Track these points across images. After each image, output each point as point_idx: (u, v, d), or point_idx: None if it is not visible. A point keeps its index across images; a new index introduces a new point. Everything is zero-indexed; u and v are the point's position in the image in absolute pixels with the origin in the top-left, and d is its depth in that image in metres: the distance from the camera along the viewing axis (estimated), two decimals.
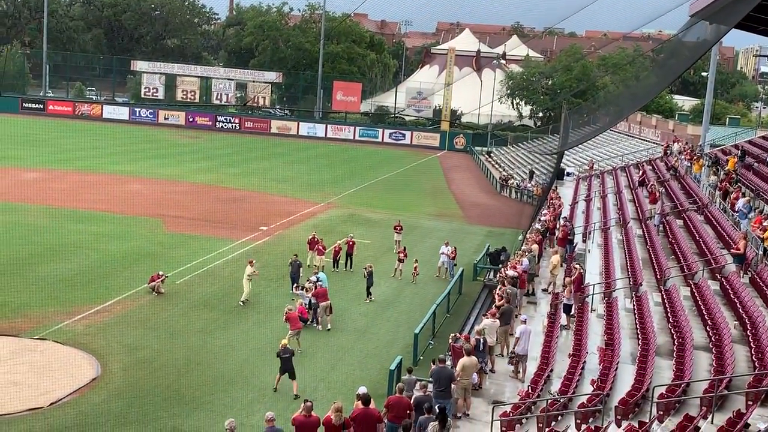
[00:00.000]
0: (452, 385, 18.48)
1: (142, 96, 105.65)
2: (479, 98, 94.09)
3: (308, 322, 27.90)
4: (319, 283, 29.29)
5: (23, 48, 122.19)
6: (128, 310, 28.89)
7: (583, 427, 16.22)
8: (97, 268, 33.90)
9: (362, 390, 17.63)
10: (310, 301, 28.52)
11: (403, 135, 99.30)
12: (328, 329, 28.11)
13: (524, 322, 22.44)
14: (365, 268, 32.94)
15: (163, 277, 31.32)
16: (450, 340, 21.39)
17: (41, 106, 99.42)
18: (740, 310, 21.07)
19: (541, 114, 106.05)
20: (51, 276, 31.99)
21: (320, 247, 35.43)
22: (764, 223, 25.81)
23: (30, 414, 20.34)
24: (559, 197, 49.28)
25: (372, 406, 16.43)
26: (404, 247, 38.10)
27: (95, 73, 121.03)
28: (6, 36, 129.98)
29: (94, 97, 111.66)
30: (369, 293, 32.61)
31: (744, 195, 31.83)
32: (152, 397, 21.81)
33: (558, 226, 38.11)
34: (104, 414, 20.62)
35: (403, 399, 17.17)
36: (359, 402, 17.00)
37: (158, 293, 30.59)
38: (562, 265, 32.98)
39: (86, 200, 46.64)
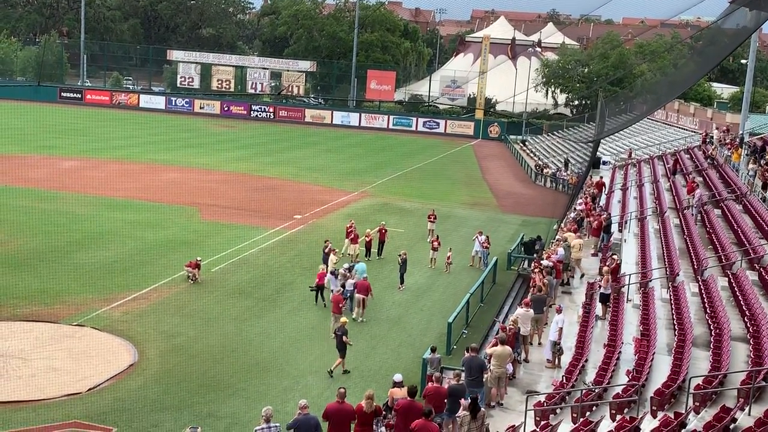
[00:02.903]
0: (484, 374, 18.47)
1: (178, 85, 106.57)
2: (514, 86, 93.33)
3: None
4: (363, 275, 29.32)
5: (61, 38, 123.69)
6: (164, 297, 29.22)
7: (618, 417, 16.11)
8: (134, 255, 34.31)
9: (398, 377, 17.72)
10: (345, 288, 28.66)
11: (437, 124, 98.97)
12: (361, 320, 28.13)
13: (560, 311, 22.40)
14: (400, 255, 32.98)
15: (199, 267, 31.41)
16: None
17: (79, 96, 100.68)
18: None
19: (576, 102, 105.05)
20: (89, 263, 32.45)
21: (354, 235, 35.52)
22: None
23: (68, 399, 20.67)
24: (597, 185, 48.81)
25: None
26: (437, 236, 38.04)
27: (132, 62, 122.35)
28: (44, 26, 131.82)
29: (130, 87, 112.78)
30: (402, 280, 32.67)
31: None
32: (188, 384, 22.06)
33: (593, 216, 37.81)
34: (141, 400, 20.91)
35: (440, 388, 17.15)
36: (396, 389, 17.04)
37: (193, 280, 30.87)
38: (596, 255, 32.81)
39: (123, 189, 47.21)
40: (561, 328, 21.73)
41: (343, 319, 24.21)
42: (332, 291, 28.60)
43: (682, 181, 43.06)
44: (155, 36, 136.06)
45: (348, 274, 29.17)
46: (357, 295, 28.30)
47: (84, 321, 26.11)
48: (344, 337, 23.29)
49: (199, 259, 31.68)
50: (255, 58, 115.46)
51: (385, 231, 37.40)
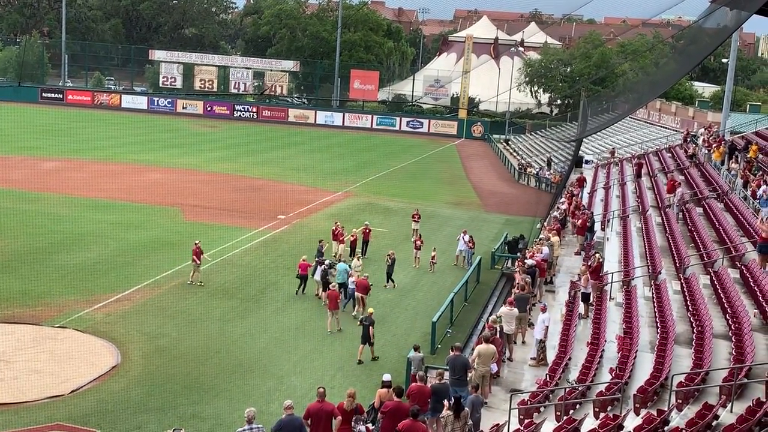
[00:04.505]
0: (469, 373, 18.49)
1: (161, 85, 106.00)
2: (497, 86, 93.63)
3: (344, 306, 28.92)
4: (365, 275, 29.78)
5: (42, 38, 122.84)
6: (147, 298, 29.09)
7: (602, 415, 16.18)
8: (116, 257, 34.12)
9: (387, 377, 17.71)
10: (348, 287, 29.18)
11: (421, 123, 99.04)
12: (354, 316, 28.23)
13: (544, 310, 22.49)
14: (389, 255, 32.99)
15: (201, 253, 31.42)
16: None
17: (60, 96, 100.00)
18: (760, 298, 20.90)
19: (559, 101, 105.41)
20: (71, 265, 32.25)
21: (341, 238, 35.48)
22: None
23: (50, 401, 20.53)
24: (577, 181, 48.96)
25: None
26: (420, 235, 38.07)
27: (114, 62, 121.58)
28: (25, 26, 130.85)
29: (112, 87, 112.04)
30: (389, 280, 32.72)
31: (766, 183, 31.50)
32: (172, 385, 21.97)
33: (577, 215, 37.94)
34: (124, 401, 20.80)
35: (424, 387, 17.16)
36: (384, 390, 17.02)
37: (191, 281, 30.82)
38: (579, 253, 32.94)
39: (105, 189, 46.95)
40: (547, 327, 21.84)
41: (370, 309, 25.23)
42: (316, 282, 29.69)
43: (663, 179, 43.26)
44: (137, 36, 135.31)
45: (330, 270, 29.99)
46: (357, 294, 28.67)
47: (66, 323, 25.95)
48: (371, 328, 24.17)
49: (197, 242, 31.52)
50: (238, 58, 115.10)
51: (369, 231, 37.41)
